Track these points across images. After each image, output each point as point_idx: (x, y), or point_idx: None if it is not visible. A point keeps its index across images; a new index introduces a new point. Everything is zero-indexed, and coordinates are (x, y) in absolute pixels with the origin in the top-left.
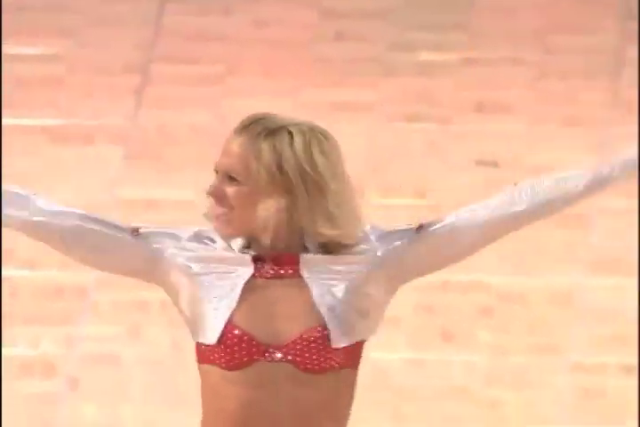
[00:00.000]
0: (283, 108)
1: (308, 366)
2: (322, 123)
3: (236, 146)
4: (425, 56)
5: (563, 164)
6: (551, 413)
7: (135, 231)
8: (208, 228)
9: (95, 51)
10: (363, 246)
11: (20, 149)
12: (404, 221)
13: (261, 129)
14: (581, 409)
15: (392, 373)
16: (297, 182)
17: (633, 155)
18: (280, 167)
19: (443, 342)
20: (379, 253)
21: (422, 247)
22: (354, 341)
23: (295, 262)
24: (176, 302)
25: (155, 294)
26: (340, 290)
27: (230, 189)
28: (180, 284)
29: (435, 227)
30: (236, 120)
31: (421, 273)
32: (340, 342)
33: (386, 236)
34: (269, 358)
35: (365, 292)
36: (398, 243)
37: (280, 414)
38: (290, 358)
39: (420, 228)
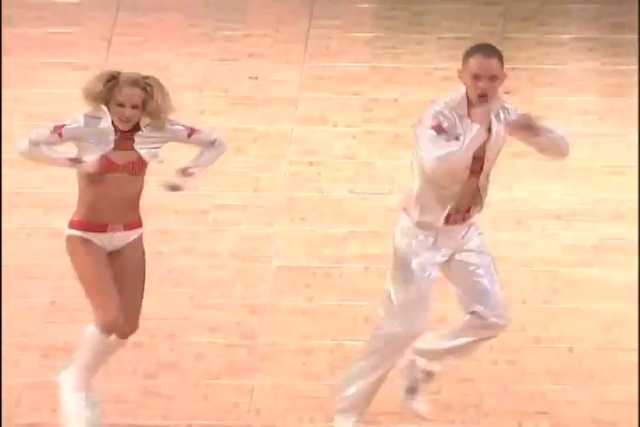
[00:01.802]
0: None
1: (133, 173)
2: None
3: (137, 95)
4: None
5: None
6: None
7: (60, 135)
8: (89, 112)
9: None
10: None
11: None
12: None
13: (148, 82)
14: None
15: None
16: (156, 101)
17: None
18: (149, 99)
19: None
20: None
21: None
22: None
23: (133, 137)
24: (82, 152)
25: None
26: (155, 150)
27: (135, 111)
28: (84, 146)
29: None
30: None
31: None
32: (144, 168)
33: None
34: (120, 169)
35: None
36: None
37: (121, 195)
38: (128, 169)
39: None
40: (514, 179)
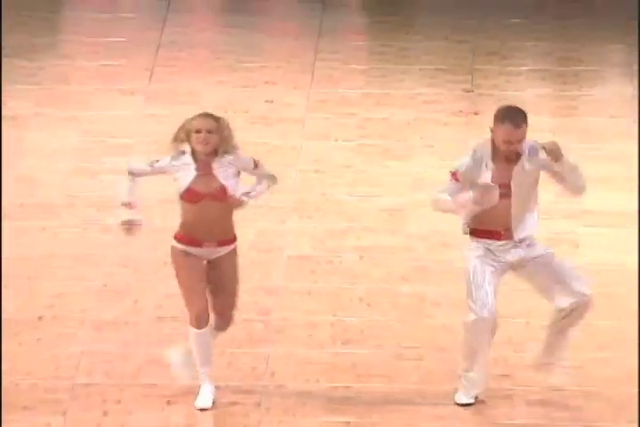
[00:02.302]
0: None
1: (220, 199)
2: None
3: (210, 123)
4: None
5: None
6: None
7: (151, 167)
8: (175, 152)
9: None
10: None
11: None
12: None
13: (219, 117)
14: None
15: None
16: (226, 128)
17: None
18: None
19: None
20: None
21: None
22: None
23: (211, 165)
24: (176, 185)
25: None
26: (233, 175)
27: (210, 135)
28: (176, 178)
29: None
30: None
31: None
32: (231, 193)
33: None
34: (206, 197)
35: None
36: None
37: (212, 219)
38: (214, 197)
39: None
40: None
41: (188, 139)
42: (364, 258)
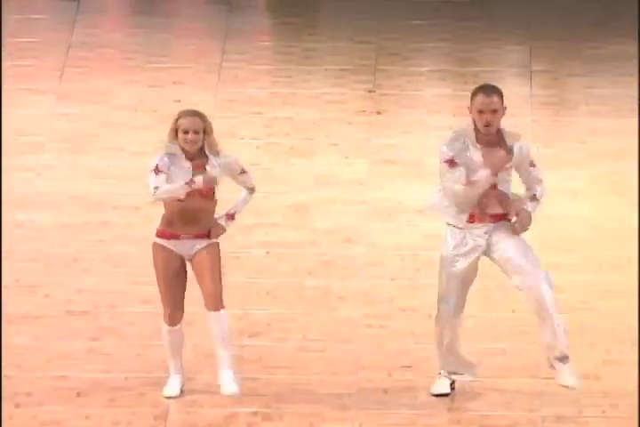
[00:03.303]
0: None
1: (207, 197)
2: None
3: (197, 123)
4: None
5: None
6: None
7: (163, 172)
8: (169, 150)
9: None
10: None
11: None
12: None
13: (199, 113)
14: None
15: None
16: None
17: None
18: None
19: None
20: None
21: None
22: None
23: (205, 167)
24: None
25: None
26: (219, 175)
27: (196, 136)
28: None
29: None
30: None
31: None
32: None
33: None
34: (197, 195)
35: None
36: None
37: (195, 213)
38: (203, 195)
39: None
40: (385, 181)
41: (175, 137)
42: (271, 253)
